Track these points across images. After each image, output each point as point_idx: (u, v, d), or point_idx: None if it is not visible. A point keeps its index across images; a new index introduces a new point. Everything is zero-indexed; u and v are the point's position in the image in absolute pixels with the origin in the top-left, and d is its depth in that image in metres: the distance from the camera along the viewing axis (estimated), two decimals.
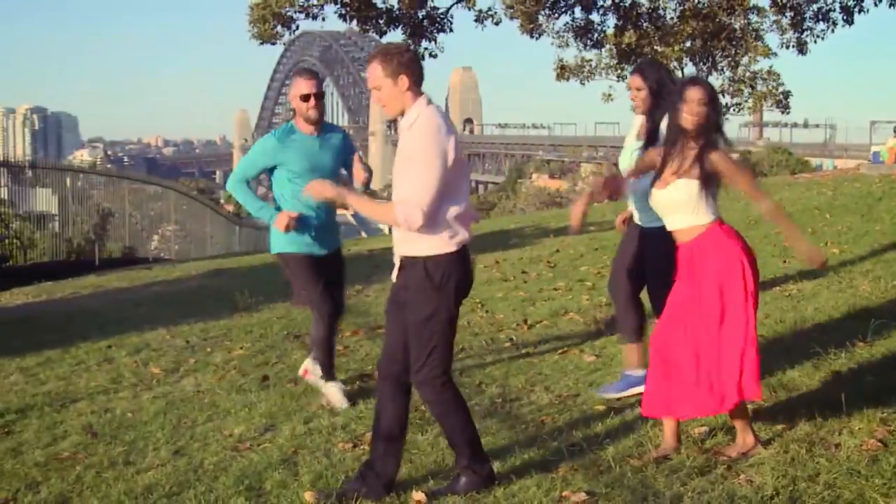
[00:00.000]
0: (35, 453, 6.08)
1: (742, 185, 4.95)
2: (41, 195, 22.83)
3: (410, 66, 4.63)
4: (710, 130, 4.88)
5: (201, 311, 11.06)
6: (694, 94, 4.85)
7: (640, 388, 5.81)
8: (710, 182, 4.86)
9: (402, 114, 4.66)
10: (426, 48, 21.78)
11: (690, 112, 4.83)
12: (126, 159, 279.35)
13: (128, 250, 24.45)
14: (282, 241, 6.59)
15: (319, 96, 6.45)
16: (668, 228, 5.06)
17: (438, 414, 4.80)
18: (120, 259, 23.11)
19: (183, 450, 5.95)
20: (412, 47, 4.68)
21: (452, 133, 4.61)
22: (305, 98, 6.41)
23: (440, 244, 4.60)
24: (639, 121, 6.17)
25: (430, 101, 4.68)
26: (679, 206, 4.92)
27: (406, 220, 4.50)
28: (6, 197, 22.09)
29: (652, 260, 6.03)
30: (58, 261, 21.29)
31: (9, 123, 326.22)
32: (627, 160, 6.17)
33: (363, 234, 32.71)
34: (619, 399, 6.09)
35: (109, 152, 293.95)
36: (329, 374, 6.69)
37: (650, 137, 5.90)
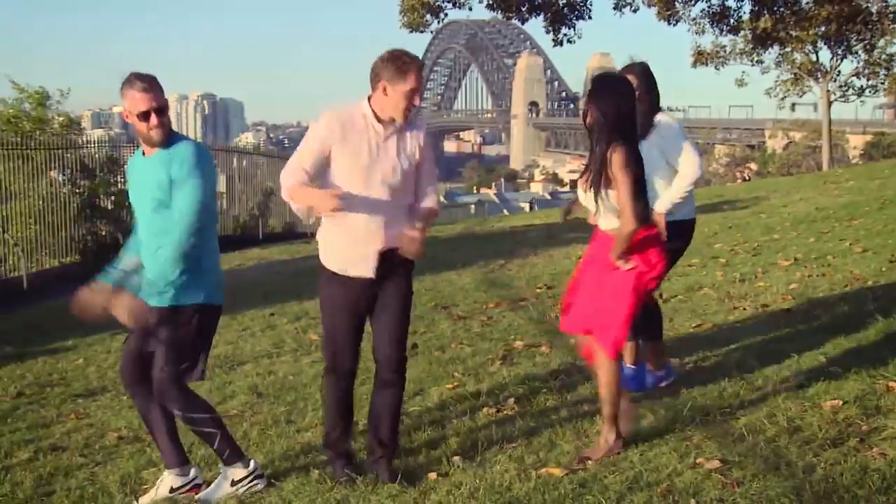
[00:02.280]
0: None
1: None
2: None
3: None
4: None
5: None
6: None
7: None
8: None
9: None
10: (565, 34, 21.65)
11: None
12: (286, 141, 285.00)
13: (288, 225, 24.96)
14: None
15: (161, 111, 4.51)
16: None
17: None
18: (281, 234, 23.65)
19: None
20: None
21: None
22: (144, 116, 4.47)
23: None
24: None
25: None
26: None
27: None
28: None
29: None
30: (225, 235, 21.87)
31: (182, 109, 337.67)
32: None
33: (505, 212, 32.72)
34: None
35: (272, 135, 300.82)
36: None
37: None
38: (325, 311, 4.84)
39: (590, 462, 4.66)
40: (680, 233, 5.81)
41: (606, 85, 4.71)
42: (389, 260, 4.64)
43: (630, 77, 5.48)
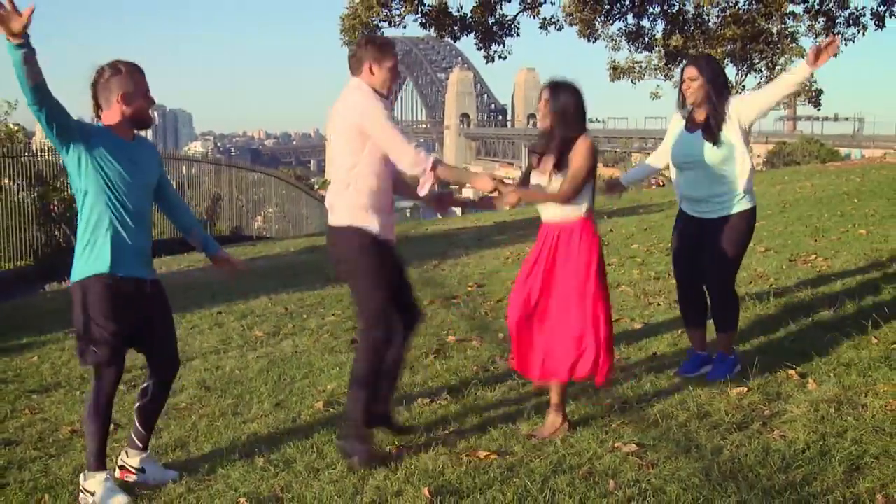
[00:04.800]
0: None
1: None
2: None
3: None
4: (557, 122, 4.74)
5: (298, 282, 11.16)
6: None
7: (708, 368, 5.74)
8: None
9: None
10: (496, 51, 21.67)
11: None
12: (233, 150, 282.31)
13: (235, 229, 24.70)
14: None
15: None
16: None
17: None
18: (228, 237, 23.38)
19: (283, 403, 6.02)
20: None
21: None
22: (148, 96, 4.60)
23: None
24: (677, 115, 5.80)
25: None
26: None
27: None
28: None
29: (713, 248, 5.58)
30: (175, 238, 21.61)
31: None
32: (684, 149, 5.65)
33: (439, 216, 32.67)
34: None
35: (219, 144, 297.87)
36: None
37: (707, 126, 5.50)
38: (372, 279, 4.65)
39: (535, 440, 4.74)
40: (744, 223, 5.60)
41: (562, 87, 4.73)
42: None
43: (691, 69, 5.57)
